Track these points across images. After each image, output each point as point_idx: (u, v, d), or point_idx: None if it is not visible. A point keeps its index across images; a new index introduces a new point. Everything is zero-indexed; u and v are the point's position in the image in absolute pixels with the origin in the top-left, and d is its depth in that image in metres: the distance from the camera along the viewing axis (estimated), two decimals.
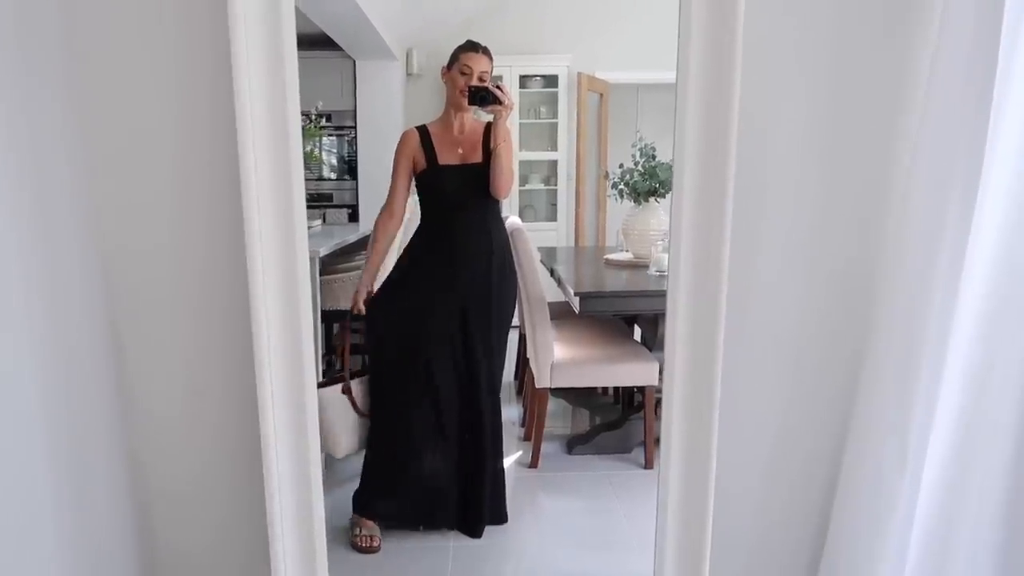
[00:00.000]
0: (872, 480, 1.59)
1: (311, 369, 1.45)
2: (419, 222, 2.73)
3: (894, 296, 1.56)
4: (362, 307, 2.66)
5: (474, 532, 2.71)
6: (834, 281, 1.73)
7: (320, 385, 2.45)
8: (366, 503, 2.67)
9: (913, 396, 1.51)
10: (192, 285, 1.64)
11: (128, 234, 1.62)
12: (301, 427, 1.47)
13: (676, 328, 1.59)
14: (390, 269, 2.86)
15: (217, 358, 1.66)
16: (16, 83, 1.42)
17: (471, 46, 2.62)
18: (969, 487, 1.55)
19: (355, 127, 5.82)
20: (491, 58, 2.64)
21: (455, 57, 2.63)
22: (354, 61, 5.62)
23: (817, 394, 1.78)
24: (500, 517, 2.78)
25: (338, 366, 2.96)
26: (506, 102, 2.51)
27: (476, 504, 2.72)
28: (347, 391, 2.66)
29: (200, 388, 1.67)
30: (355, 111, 5.76)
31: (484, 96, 2.52)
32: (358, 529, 2.64)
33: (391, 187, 2.71)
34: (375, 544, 2.61)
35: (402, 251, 2.84)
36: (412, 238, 2.74)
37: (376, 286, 2.73)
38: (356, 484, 2.73)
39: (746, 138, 1.56)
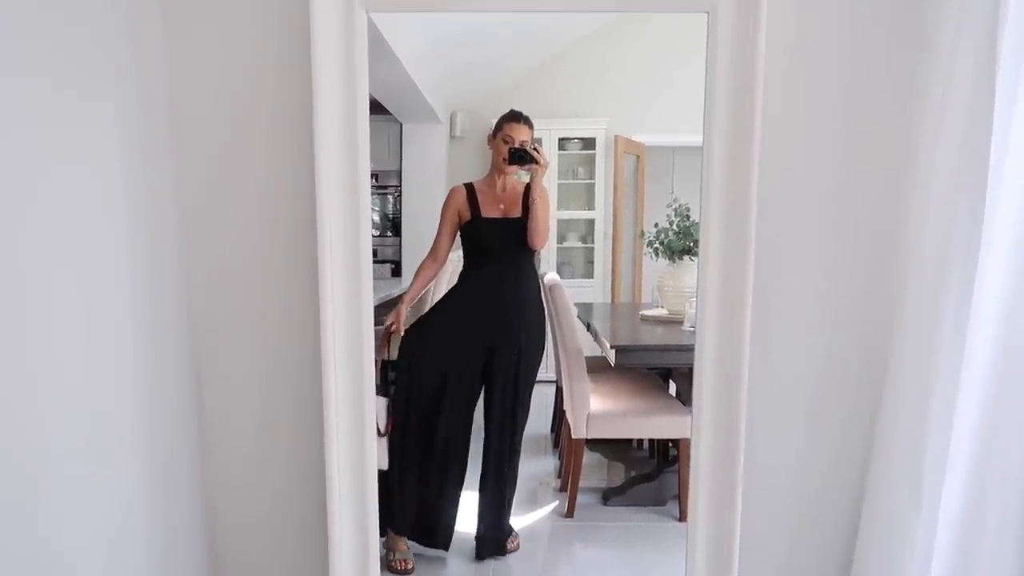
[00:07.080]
0: (889, 526, 1.66)
1: (371, 406, 1.60)
2: (462, 267, 3.01)
3: (904, 352, 1.66)
4: (400, 326, 2.86)
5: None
6: (851, 335, 1.83)
7: None
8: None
9: (924, 448, 1.59)
10: (267, 332, 1.82)
11: (214, 286, 1.81)
12: (361, 464, 1.61)
13: (703, 384, 1.70)
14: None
15: (287, 399, 1.82)
16: (129, 162, 1.61)
17: (513, 116, 2.96)
18: (984, 531, 1.61)
19: (399, 186, 6.05)
20: (531, 127, 2.98)
21: (499, 127, 2.97)
22: (401, 124, 5.87)
23: (838, 444, 1.86)
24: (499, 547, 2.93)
25: None
26: (541, 161, 2.84)
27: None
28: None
29: (270, 426, 1.82)
30: (400, 171, 6.00)
31: (522, 156, 2.87)
32: (392, 553, 2.78)
33: (437, 234, 3.01)
34: (409, 566, 2.75)
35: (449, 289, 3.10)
36: (457, 280, 3.03)
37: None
38: None
39: (766, 204, 1.69)
